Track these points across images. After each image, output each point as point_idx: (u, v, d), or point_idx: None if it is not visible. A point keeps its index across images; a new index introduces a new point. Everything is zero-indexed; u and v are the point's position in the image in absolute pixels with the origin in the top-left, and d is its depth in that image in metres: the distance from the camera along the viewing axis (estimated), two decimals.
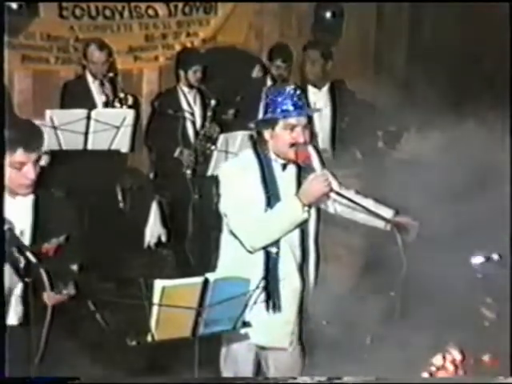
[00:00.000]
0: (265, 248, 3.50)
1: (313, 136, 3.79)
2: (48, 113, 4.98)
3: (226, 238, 3.64)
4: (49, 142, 4.64)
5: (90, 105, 5.43)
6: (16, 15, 5.86)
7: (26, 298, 3.12)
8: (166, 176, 5.88)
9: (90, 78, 5.66)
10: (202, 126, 5.77)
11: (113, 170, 5.71)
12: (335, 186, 3.61)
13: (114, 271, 5.42)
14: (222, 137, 5.42)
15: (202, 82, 5.78)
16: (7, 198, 3.19)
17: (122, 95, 5.59)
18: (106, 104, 5.59)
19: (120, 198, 5.94)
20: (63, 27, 6.29)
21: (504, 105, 4.60)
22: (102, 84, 5.64)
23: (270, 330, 3.57)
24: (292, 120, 3.44)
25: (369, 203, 3.72)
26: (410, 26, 8.26)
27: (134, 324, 3.20)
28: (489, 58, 7.59)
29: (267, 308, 3.52)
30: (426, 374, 3.09)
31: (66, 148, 5.10)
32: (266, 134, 3.50)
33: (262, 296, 3.38)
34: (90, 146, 5.23)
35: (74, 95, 5.59)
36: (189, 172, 5.69)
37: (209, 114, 5.73)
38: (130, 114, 5.34)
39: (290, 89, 3.50)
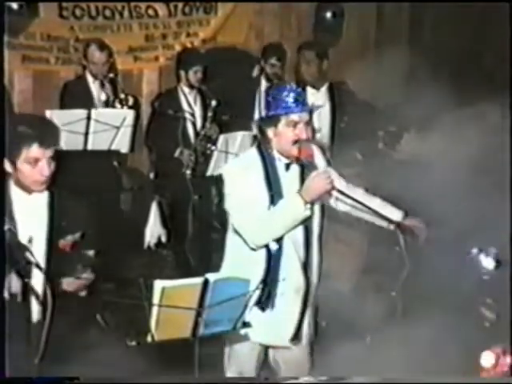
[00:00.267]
0: (268, 245, 3.52)
1: (314, 132, 3.81)
2: (48, 113, 4.97)
3: (230, 237, 3.67)
4: None
5: (90, 105, 5.43)
6: (16, 15, 5.86)
7: (26, 297, 3.13)
8: (166, 176, 5.87)
9: (90, 79, 5.66)
10: (203, 126, 5.77)
11: (113, 170, 5.71)
12: (343, 185, 3.65)
13: (113, 271, 5.41)
14: (221, 137, 5.42)
15: (203, 83, 5.78)
16: (22, 195, 3.22)
17: (122, 96, 5.58)
18: (106, 104, 5.59)
19: (120, 198, 5.95)
20: (63, 27, 6.28)
21: (504, 105, 4.59)
22: (102, 84, 5.63)
23: (273, 328, 3.59)
24: (294, 116, 3.48)
25: (377, 203, 3.73)
26: (410, 26, 8.25)
27: (133, 324, 3.20)
28: (489, 58, 7.59)
29: (265, 306, 3.54)
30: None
31: (66, 148, 5.09)
32: (270, 132, 3.54)
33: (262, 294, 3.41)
34: (90, 147, 5.23)
35: (74, 95, 5.58)
36: (189, 172, 5.68)
37: (209, 114, 5.73)
38: (130, 114, 5.34)
39: (290, 86, 3.55)
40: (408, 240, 3.66)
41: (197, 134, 5.77)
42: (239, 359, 3.73)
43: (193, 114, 5.79)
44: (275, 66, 6.06)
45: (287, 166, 3.56)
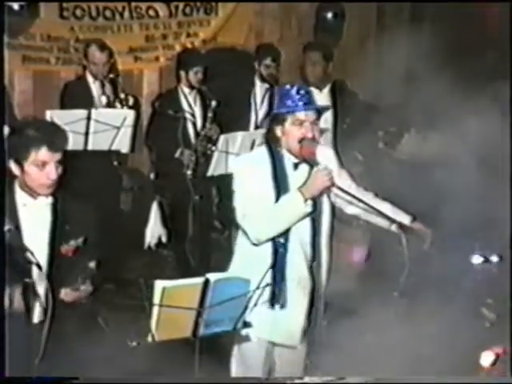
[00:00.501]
0: (270, 240, 3.55)
1: (322, 133, 3.83)
2: (48, 113, 4.98)
3: (240, 237, 3.70)
4: None
5: (91, 105, 5.43)
6: (16, 16, 5.86)
7: (26, 297, 3.14)
8: (167, 176, 5.87)
9: (90, 79, 5.65)
10: (203, 126, 5.77)
11: (113, 170, 5.71)
12: (353, 187, 3.68)
13: (114, 272, 5.41)
14: (222, 137, 5.42)
15: (203, 83, 5.78)
16: (27, 199, 3.22)
17: (122, 96, 5.58)
18: (107, 105, 5.59)
19: (121, 198, 5.94)
20: (64, 28, 6.28)
21: (504, 104, 4.59)
22: (102, 85, 5.63)
23: (282, 326, 3.62)
24: (300, 115, 3.54)
25: (386, 207, 3.73)
26: (410, 26, 8.24)
27: (134, 324, 3.21)
28: (489, 58, 7.58)
29: (273, 304, 3.57)
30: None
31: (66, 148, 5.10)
32: (278, 130, 3.60)
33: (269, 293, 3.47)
34: (90, 147, 5.22)
35: (75, 96, 5.58)
36: (189, 173, 5.68)
37: (209, 114, 5.73)
38: (130, 114, 5.34)
39: (296, 85, 3.61)
40: (410, 240, 3.66)
41: (197, 134, 5.77)
42: (247, 358, 3.74)
43: (193, 115, 5.79)
44: (270, 67, 6.07)
45: (296, 165, 3.60)
